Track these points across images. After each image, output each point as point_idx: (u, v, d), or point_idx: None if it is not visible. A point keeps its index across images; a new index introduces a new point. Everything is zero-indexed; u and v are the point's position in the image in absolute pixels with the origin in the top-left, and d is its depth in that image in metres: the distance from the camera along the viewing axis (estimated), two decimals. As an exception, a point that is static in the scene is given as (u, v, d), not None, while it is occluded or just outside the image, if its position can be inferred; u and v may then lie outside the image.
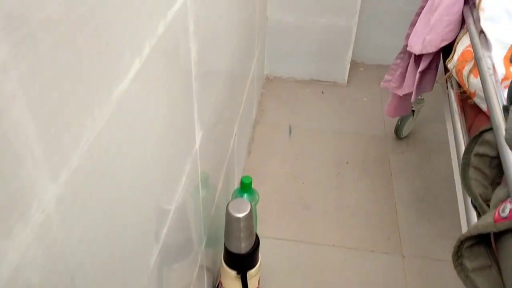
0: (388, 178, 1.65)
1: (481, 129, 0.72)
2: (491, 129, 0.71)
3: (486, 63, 0.78)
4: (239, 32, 1.30)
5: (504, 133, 0.61)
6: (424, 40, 1.04)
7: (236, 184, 1.51)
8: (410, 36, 1.13)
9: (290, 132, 1.82)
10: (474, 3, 0.93)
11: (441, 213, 1.51)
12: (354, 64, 2.14)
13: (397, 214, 1.51)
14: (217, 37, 1.02)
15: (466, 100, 0.94)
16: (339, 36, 1.96)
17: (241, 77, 1.48)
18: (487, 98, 0.72)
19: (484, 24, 0.84)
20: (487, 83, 0.74)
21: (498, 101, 0.71)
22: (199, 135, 0.92)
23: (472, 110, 0.94)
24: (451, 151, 0.88)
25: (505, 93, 0.86)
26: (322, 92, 2.03)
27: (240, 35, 1.33)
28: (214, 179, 1.20)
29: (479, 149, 0.73)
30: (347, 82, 2.08)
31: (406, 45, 1.15)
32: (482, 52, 0.81)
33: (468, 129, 0.94)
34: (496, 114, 0.69)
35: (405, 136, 1.79)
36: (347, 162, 1.70)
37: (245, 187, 1.26)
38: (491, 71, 0.76)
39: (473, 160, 0.73)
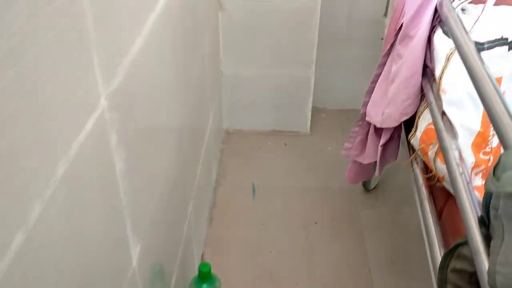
0: (360, 238, 1.54)
1: (456, 241, 0.62)
2: (466, 242, 0.61)
3: (454, 157, 0.69)
4: (188, 95, 1.19)
5: (486, 275, 0.51)
6: (383, 113, 0.95)
7: (196, 264, 1.37)
8: (368, 105, 1.04)
9: (253, 192, 1.70)
10: (433, 76, 0.84)
11: (417, 276, 1.40)
12: (316, 110, 2.06)
13: (372, 282, 1.39)
14: (157, 119, 0.90)
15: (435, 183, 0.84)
16: (297, 86, 1.87)
17: (195, 142, 1.36)
18: (459, 206, 0.62)
19: (447, 109, 0.76)
20: (457, 183, 0.65)
21: (472, 209, 0.61)
22: (137, 249, 0.78)
23: (442, 193, 0.84)
24: (426, 248, 0.78)
25: (475, 181, 0.77)
26: (285, 144, 1.93)
27: (189, 97, 1.21)
28: (169, 265, 1.07)
29: (456, 264, 0.62)
30: (310, 131, 1.99)
31: (364, 113, 1.06)
32: (448, 142, 0.72)
33: (439, 214, 0.84)
34: (471, 226, 0.59)
35: (374, 188, 1.70)
36: (316, 223, 1.59)
37: (204, 276, 1.13)
38: (461, 169, 0.67)
39: (451, 276, 0.63)
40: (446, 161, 0.70)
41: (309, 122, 1.96)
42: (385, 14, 1.60)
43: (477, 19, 0.74)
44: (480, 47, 0.67)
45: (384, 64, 0.99)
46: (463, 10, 0.84)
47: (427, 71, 0.89)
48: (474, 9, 0.85)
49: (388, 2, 1.49)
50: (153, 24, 0.83)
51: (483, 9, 0.73)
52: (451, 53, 0.74)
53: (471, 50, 0.64)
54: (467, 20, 0.83)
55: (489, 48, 0.67)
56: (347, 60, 2.00)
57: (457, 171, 0.66)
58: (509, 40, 0.68)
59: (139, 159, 0.79)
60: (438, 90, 0.78)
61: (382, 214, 1.62)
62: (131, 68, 0.72)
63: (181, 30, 1.09)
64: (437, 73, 0.78)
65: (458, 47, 0.67)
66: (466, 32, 0.69)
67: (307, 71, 1.83)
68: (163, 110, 0.95)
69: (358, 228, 1.57)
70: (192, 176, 1.32)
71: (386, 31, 1.44)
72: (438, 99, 0.79)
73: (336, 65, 2.01)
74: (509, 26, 0.77)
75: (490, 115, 0.54)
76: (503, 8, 0.84)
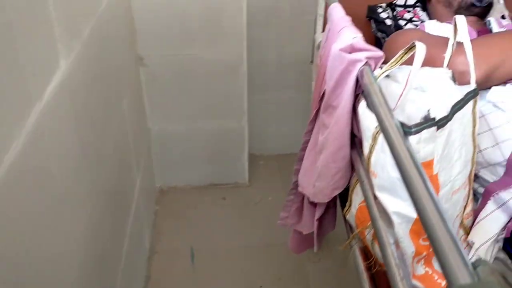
0: (308, 297, 1.44)
1: None
2: None
3: (392, 254, 0.61)
4: (103, 164, 1.05)
5: None
6: (314, 186, 0.87)
7: None
8: (300, 174, 0.95)
9: (192, 258, 1.55)
10: (362, 148, 0.77)
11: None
12: (253, 158, 1.97)
13: None
14: (57, 209, 0.75)
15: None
16: (231, 136, 1.77)
17: (118, 212, 1.21)
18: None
19: (379, 195, 0.68)
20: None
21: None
22: None
23: (385, 276, 0.76)
24: None
25: (417, 270, 0.69)
26: (224, 198, 1.81)
27: (106, 165, 1.08)
28: None
29: None
30: (249, 181, 1.88)
31: (296, 181, 0.97)
32: (384, 233, 0.64)
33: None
34: None
35: (318, 239, 1.61)
36: (261, 286, 1.47)
37: None
38: (402, 273, 0.58)
39: None
40: (385, 262, 0.62)
41: (247, 172, 1.87)
42: (312, 61, 1.55)
43: (402, 93, 0.67)
44: (407, 130, 0.60)
45: (311, 130, 0.92)
46: (387, 75, 0.77)
47: (355, 141, 0.82)
48: (399, 73, 0.79)
49: (313, 49, 1.43)
50: (39, 116, 0.70)
51: (407, 80, 0.67)
52: (377, 132, 0.67)
53: (397, 137, 0.56)
54: (392, 87, 0.77)
55: (416, 132, 0.60)
56: (279, 104, 1.94)
57: (397, 275, 0.58)
58: (436, 119, 0.62)
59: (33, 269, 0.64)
60: (368, 170, 0.70)
61: (330, 267, 1.53)
62: (5, 179, 0.58)
63: (86, 102, 0.96)
64: (365, 151, 0.71)
65: (383, 130, 0.59)
66: (390, 111, 0.61)
67: (239, 121, 1.74)
68: (66, 193, 0.80)
69: (306, 286, 1.47)
70: (116, 256, 1.16)
71: (313, 83, 1.38)
72: (369, 178, 0.71)
73: (269, 110, 1.95)
74: (435, 95, 0.72)
75: (428, 233, 0.46)
76: (427, 70, 0.79)
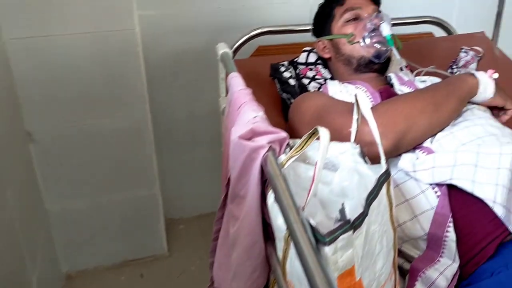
0: None
1: None
2: None
3: None
4: None
5: None
6: (231, 286, 0.75)
7: None
8: (214, 268, 0.83)
9: None
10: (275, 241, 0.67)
11: None
12: (172, 223, 1.81)
13: None
14: None
15: None
16: (144, 206, 1.61)
17: None
18: None
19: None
20: None
21: None
22: None
23: None
24: None
25: None
26: (142, 275, 1.62)
27: None
28: None
29: None
30: (169, 250, 1.71)
31: (213, 277, 0.85)
32: None
33: None
34: None
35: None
36: None
37: None
38: None
39: None
40: None
41: (165, 241, 1.70)
42: (223, 113, 1.46)
43: (311, 186, 0.60)
44: (320, 239, 0.52)
45: (222, 217, 0.81)
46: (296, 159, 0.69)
47: (269, 230, 0.72)
48: (307, 150, 0.71)
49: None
50: None
51: (315, 172, 0.59)
52: (288, 236, 0.58)
53: (309, 249, 0.48)
54: (301, 170, 0.69)
55: (331, 242, 0.52)
56: (194, 162, 1.81)
57: None
58: (351, 220, 0.54)
59: None
60: (284, 278, 0.61)
61: None
62: None
63: None
64: (279, 253, 0.61)
65: (293, 240, 0.51)
66: (300, 214, 0.53)
67: (151, 188, 1.59)
68: None
69: None
70: None
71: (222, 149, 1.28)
72: (287, 285, 0.61)
73: (184, 169, 1.81)
74: (347, 179, 0.65)
75: None
76: (335, 146, 0.72)
